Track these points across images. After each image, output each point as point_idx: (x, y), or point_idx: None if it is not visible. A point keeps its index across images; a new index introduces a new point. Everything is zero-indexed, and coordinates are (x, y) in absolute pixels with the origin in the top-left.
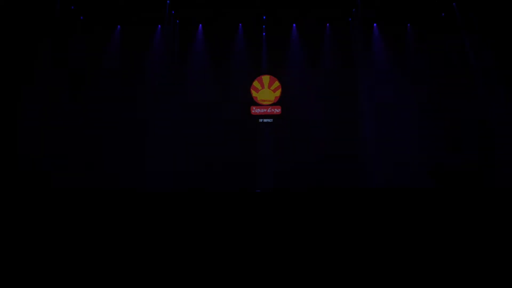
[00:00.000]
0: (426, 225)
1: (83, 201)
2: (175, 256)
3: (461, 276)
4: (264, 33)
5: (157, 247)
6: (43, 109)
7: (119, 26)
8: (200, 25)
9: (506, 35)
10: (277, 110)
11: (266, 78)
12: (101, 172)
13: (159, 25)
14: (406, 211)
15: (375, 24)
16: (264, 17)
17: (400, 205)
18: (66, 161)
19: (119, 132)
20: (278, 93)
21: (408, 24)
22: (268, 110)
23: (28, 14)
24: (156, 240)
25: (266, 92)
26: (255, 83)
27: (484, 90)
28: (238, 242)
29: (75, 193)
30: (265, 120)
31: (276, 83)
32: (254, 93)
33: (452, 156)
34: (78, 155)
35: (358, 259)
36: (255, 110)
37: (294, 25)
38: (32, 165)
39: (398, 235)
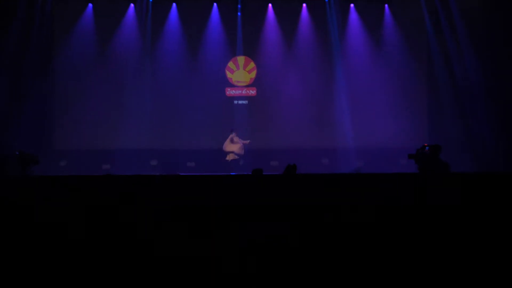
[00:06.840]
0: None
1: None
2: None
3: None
4: (239, 13)
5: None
6: (9, 91)
7: (90, 4)
8: (174, 4)
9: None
10: (252, 92)
11: (241, 59)
12: (76, 156)
13: (132, 4)
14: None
15: (352, 5)
16: None
17: (380, 190)
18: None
19: (89, 115)
20: (253, 74)
21: (386, 5)
22: (243, 92)
23: None
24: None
25: (241, 73)
26: (230, 64)
27: (461, 70)
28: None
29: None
30: (240, 102)
31: (252, 64)
32: (229, 74)
33: (433, 138)
34: (46, 139)
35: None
36: (229, 92)
37: (270, 5)
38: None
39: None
